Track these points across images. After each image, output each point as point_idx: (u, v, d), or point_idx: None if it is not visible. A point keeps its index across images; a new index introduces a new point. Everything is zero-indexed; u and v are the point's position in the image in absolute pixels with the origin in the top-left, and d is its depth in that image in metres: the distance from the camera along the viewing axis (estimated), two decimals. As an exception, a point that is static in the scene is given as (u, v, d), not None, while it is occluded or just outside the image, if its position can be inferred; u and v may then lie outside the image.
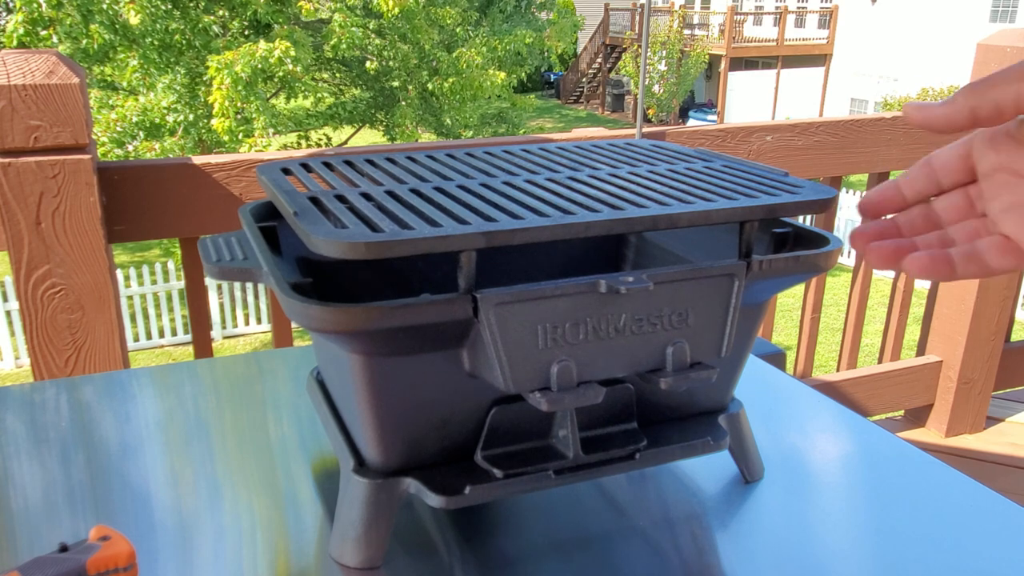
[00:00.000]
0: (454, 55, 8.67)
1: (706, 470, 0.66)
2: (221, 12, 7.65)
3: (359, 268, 0.67)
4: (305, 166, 0.63)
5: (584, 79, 22.40)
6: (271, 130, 7.16)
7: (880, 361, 2.20)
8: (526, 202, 0.52)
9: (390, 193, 0.54)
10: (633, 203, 0.52)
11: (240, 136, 6.85)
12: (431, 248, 0.44)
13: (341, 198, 0.53)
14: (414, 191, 0.55)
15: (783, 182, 0.58)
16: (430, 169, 0.61)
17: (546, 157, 0.66)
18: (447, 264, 0.70)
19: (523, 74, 10.25)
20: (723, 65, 18.72)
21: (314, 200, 0.52)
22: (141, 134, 6.92)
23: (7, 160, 1.13)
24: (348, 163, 0.64)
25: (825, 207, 0.53)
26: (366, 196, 0.54)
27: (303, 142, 9.54)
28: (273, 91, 8.32)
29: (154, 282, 6.49)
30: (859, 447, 0.71)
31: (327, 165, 0.63)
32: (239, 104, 6.72)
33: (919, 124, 0.45)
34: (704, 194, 0.54)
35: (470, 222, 0.47)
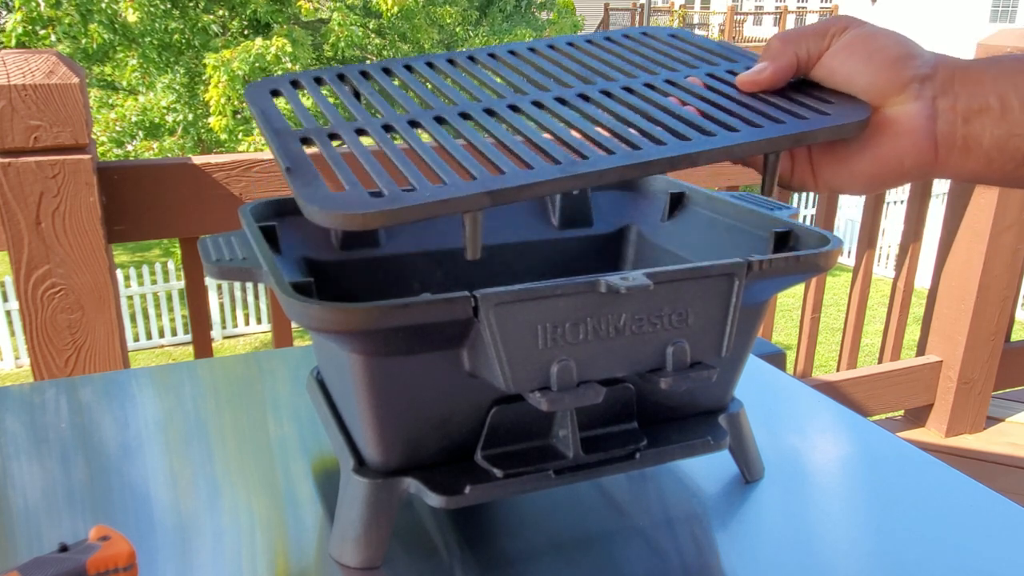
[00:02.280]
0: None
1: (706, 470, 0.66)
2: (221, 12, 7.65)
3: (359, 268, 0.67)
4: (295, 83, 0.59)
5: (584, 79, 22.34)
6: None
7: (880, 361, 2.20)
8: (535, 138, 0.49)
9: (387, 127, 0.51)
10: (649, 135, 0.49)
11: (239, 135, 6.84)
12: (433, 213, 0.42)
13: (334, 136, 0.50)
14: (412, 123, 0.52)
15: (812, 95, 0.54)
16: (430, 86, 0.58)
17: (559, 64, 0.61)
18: (447, 263, 0.70)
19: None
20: (723, 65, 18.66)
21: (305, 140, 0.49)
22: (140, 134, 6.91)
23: (7, 160, 1.13)
24: (341, 76, 0.60)
25: (860, 129, 0.51)
26: (361, 132, 0.51)
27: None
28: (273, 91, 8.31)
29: (154, 282, 6.49)
30: (859, 447, 0.71)
31: (317, 81, 0.59)
32: (236, 103, 6.72)
33: (754, 91, 0.55)
34: (726, 117, 0.52)
35: (475, 174, 0.45)
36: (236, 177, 1.33)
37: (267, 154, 1.37)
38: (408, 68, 0.61)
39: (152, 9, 6.88)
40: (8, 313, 5.91)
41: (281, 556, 0.56)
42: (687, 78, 0.58)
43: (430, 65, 0.61)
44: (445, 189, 0.43)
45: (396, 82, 0.59)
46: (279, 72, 7.03)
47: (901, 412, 2.29)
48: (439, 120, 0.52)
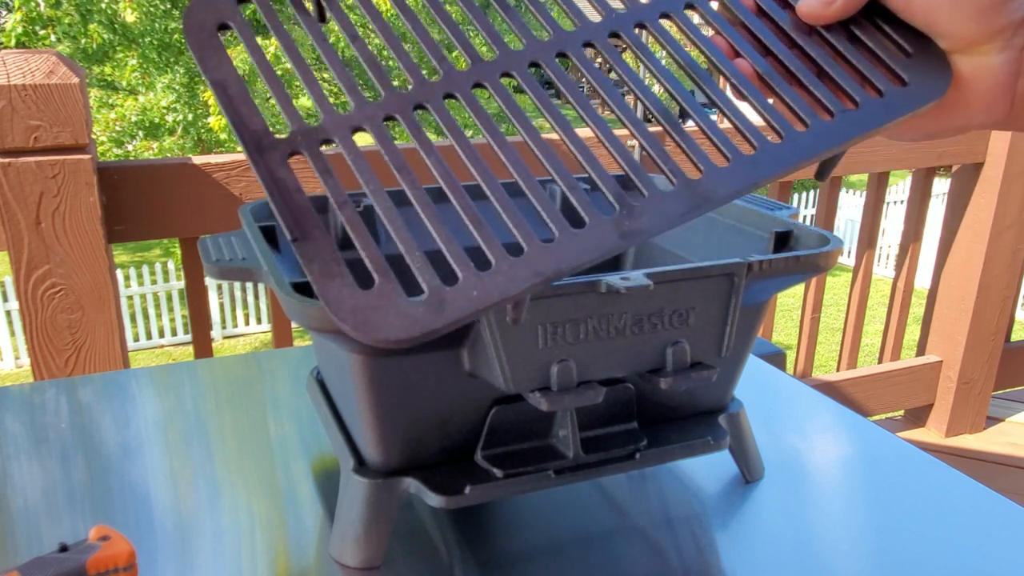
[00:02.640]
0: (454, 55, 8.68)
1: (706, 470, 0.66)
2: (221, 12, 7.64)
3: (359, 268, 0.67)
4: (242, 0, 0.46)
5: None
6: (271, 129, 7.14)
7: (880, 361, 2.20)
8: (575, 150, 0.43)
9: (389, 118, 0.44)
10: (716, 146, 0.44)
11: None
12: (481, 314, 0.38)
13: (327, 141, 0.43)
14: (418, 106, 0.44)
15: (885, 38, 0.47)
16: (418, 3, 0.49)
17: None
18: (447, 263, 0.69)
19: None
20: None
21: (294, 154, 0.41)
22: (140, 134, 6.91)
23: (7, 160, 1.13)
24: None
25: (935, 102, 0.45)
26: (358, 130, 0.43)
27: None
28: (273, 91, 8.31)
29: (154, 282, 6.49)
30: (859, 447, 0.71)
31: None
32: None
33: (817, 24, 0.47)
34: (790, 93, 0.46)
35: (523, 245, 0.39)
36: (236, 177, 1.33)
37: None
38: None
39: (152, 9, 6.88)
40: (8, 313, 5.90)
41: (281, 556, 0.56)
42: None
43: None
44: (492, 279, 0.38)
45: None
46: (278, 72, 7.02)
47: (901, 412, 2.29)
48: (448, 96, 0.45)
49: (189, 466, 0.66)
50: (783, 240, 0.61)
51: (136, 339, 6.37)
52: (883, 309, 2.28)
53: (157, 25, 6.95)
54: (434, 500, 0.51)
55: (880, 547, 0.57)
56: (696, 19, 0.50)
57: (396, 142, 0.42)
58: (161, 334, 6.51)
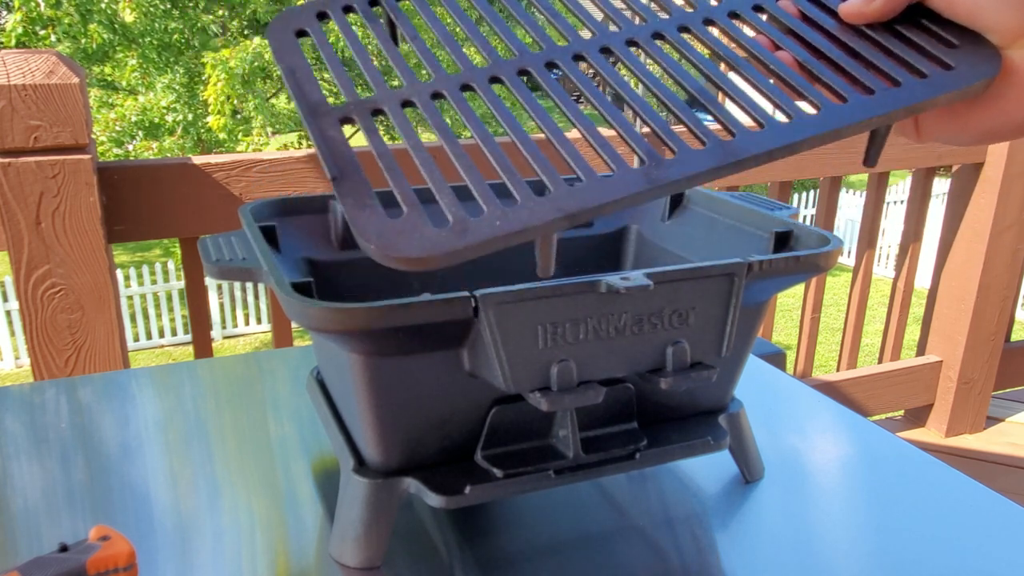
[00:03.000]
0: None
1: (706, 470, 0.66)
2: (220, 12, 7.65)
3: (359, 268, 0.67)
4: (322, 16, 0.52)
5: (584, 79, 22.36)
6: (270, 129, 7.15)
7: (880, 361, 2.20)
8: (611, 116, 0.44)
9: (436, 95, 0.46)
10: (744, 109, 0.44)
11: (239, 135, 6.84)
12: (503, 245, 0.39)
13: (378, 112, 0.46)
14: (465, 86, 0.47)
15: (928, 31, 0.46)
16: (476, 16, 0.54)
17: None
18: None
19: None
20: (723, 65, 18.69)
21: (345, 120, 0.45)
22: (140, 134, 6.92)
23: (7, 160, 1.13)
24: (373, 2, 0.53)
25: (986, 87, 0.44)
26: (407, 103, 0.46)
27: (304, 141, 9.54)
28: (274, 91, 8.32)
29: (154, 282, 6.49)
30: (859, 447, 0.71)
31: (347, 10, 0.53)
32: (235, 102, 6.72)
33: (860, 23, 0.47)
34: (830, 75, 0.45)
35: (546, 181, 0.40)
36: (236, 177, 1.33)
37: (267, 154, 1.37)
38: None
39: (152, 9, 6.88)
40: (8, 313, 5.90)
41: (281, 556, 0.56)
42: (778, 1, 0.50)
43: None
44: (517, 213, 0.39)
45: (438, 11, 0.53)
46: (278, 72, 7.01)
47: (901, 412, 2.29)
48: (493, 80, 0.47)
49: (189, 466, 0.66)
50: (783, 240, 0.61)
51: (136, 339, 6.37)
52: (883, 309, 2.28)
53: (157, 25, 6.95)
54: (434, 500, 0.51)
55: (880, 547, 0.57)
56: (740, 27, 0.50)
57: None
58: (161, 334, 6.52)
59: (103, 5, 6.62)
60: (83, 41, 6.72)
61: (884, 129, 0.45)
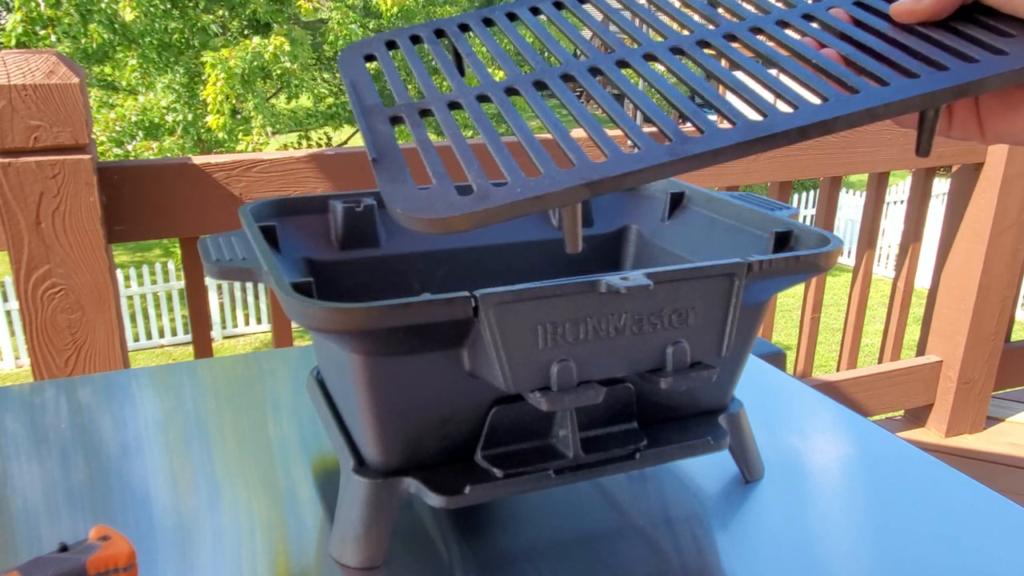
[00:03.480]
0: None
1: (706, 470, 0.66)
2: (220, 12, 7.65)
3: (359, 268, 0.67)
4: (391, 44, 0.56)
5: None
6: (269, 129, 7.15)
7: (880, 361, 2.20)
8: (643, 105, 0.45)
9: (482, 97, 0.49)
10: (778, 94, 0.43)
11: (239, 135, 6.85)
12: (525, 211, 0.39)
13: (426, 112, 0.48)
14: (509, 90, 0.49)
15: (983, 25, 0.44)
16: (531, 39, 0.54)
17: (671, 4, 0.55)
18: (447, 263, 0.70)
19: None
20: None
21: (395, 119, 0.48)
22: (140, 134, 6.92)
23: (7, 160, 1.13)
24: (439, 32, 0.56)
25: None
26: (454, 105, 0.49)
27: (304, 141, 9.54)
28: (273, 91, 8.32)
29: (154, 282, 6.49)
30: (859, 447, 0.71)
31: (415, 40, 0.56)
32: (234, 101, 6.72)
33: (911, 21, 0.46)
34: (873, 64, 0.44)
35: (573, 159, 0.41)
36: (236, 177, 1.33)
37: (267, 154, 1.37)
38: (511, 16, 0.56)
39: (152, 9, 6.88)
40: (8, 313, 5.90)
41: (281, 556, 0.56)
42: (829, 10, 0.50)
43: (534, 11, 0.56)
44: (539, 182, 0.40)
45: (497, 37, 0.56)
46: (277, 71, 7.02)
47: (901, 412, 2.29)
48: (539, 85, 0.49)
49: (189, 466, 0.66)
50: (783, 240, 0.61)
51: (136, 339, 6.37)
52: (883, 309, 2.28)
53: (157, 25, 6.95)
54: (434, 500, 0.51)
55: (880, 547, 0.57)
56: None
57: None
58: (161, 334, 6.52)
59: (103, 5, 6.62)
60: (83, 41, 6.72)
61: (933, 113, 0.43)
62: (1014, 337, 2.28)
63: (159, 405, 0.77)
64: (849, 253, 6.86)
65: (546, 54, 0.53)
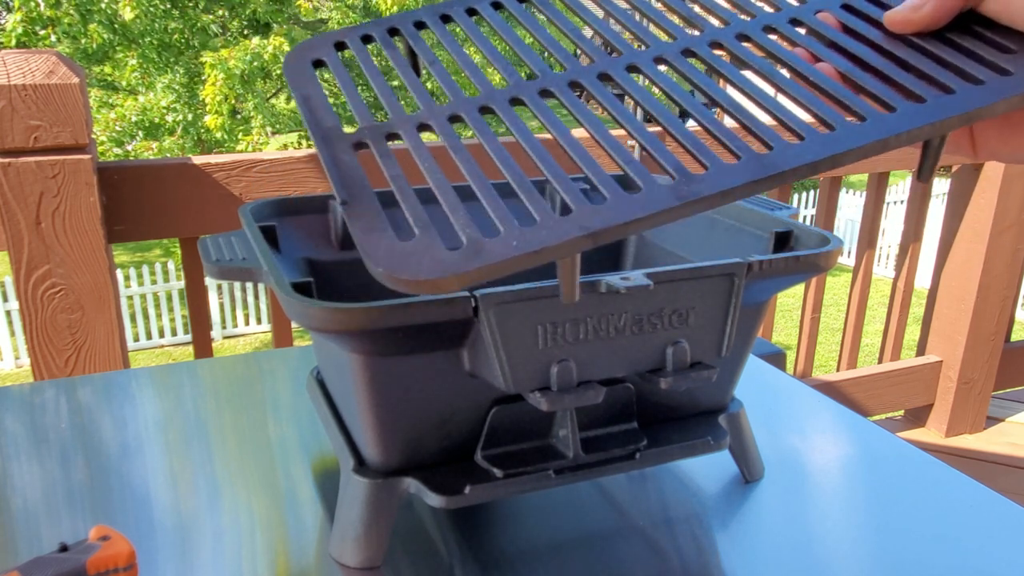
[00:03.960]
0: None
1: (706, 470, 0.66)
2: (220, 12, 7.65)
3: (359, 268, 0.67)
4: (340, 45, 0.51)
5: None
6: (269, 129, 7.15)
7: (880, 361, 2.20)
8: (637, 134, 0.41)
9: (454, 118, 0.44)
10: (781, 121, 0.40)
11: (239, 135, 6.84)
12: (522, 266, 0.36)
13: (393, 136, 0.44)
14: (484, 108, 0.45)
15: (982, 38, 0.42)
16: (497, 42, 0.50)
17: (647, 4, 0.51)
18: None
19: (523, 74, 10.24)
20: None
21: (359, 144, 0.43)
22: (140, 134, 6.92)
23: (7, 160, 1.13)
24: (392, 31, 0.51)
25: None
26: (424, 127, 0.44)
27: (304, 141, 9.54)
28: (273, 91, 8.32)
29: (154, 282, 6.49)
30: (859, 447, 0.71)
31: (366, 39, 0.51)
32: (233, 102, 6.71)
33: (907, 32, 0.44)
34: (875, 84, 0.42)
35: (568, 202, 0.37)
36: (236, 177, 1.33)
37: (267, 154, 1.37)
38: (471, 12, 0.52)
39: (152, 9, 6.88)
40: (8, 313, 5.90)
41: (281, 556, 0.56)
42: (817, 13, 0.47)
43: (496, 6, 0.52)
44: (535, 232, 0.36)
45: (458, 37, 0.51)
46: (277, 71, 7.02)
47: (901, 412, 2.29)
48: (515, 101, 0.45)
49: (189, 466, 0.66)
50: (783, 240, 0.61)
51: (136, 339, 6.37)
52: (883, 309, 2.28)
53: (157, 25, 6.95)
54: (434, 500, 0.51)
55: (880, 547, 0.57)
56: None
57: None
58: (161, 334, 6.52)
59: (103, 5, 6.62)
60: (83, 41, 6.72)
61: (938, 141, 0.41)
62: (1014, 337, 2.28)
63: (159, 405, 0.77)
64: (849, 253, 6.86)
65: (521, 66, 0.50)
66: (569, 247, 0.36)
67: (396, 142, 0.44)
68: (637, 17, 0.50)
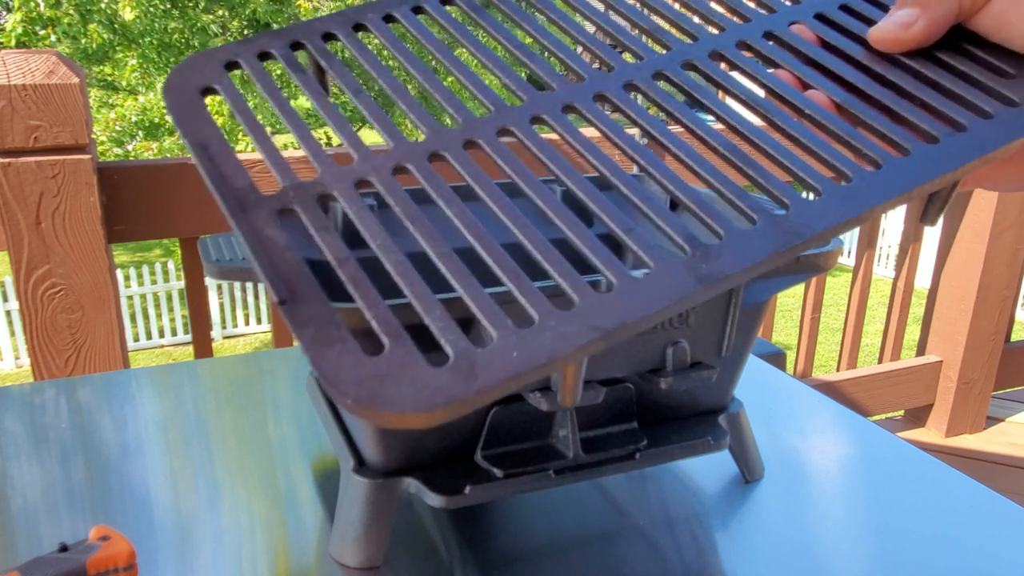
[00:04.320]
0: (454, 54, 8.67)
1: (706, 470, 0.66)
2: (220, 12, 7.65)
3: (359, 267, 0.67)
4: (232, 65, 0.41)
5: (584, 79, 22.36)
6: (269, 129, 7.16)
7: (880, 361, 2.20)
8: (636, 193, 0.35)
9: (399, 169, 0.36)
10: (795, 174, 0.35)
11: (238, 135, 6.85)
12: (528, 381, 0.29)
13: (327, 198, 0.36)
14: (434, 155, 0.36)
15: (977, 60, 0.40)
16: (460, 51, 0.45)
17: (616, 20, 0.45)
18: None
19: (523, 74, 10.26)
20: (723, 65, 18.68)
21: (286, 212, 0.36)
22: (140, 134, 6.92)
23: (7, 160, 1.13)
24: (296, 45, 0.42)
25: None
26: (363, 183, 0.36)
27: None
28: (273, 91, 8.31)
29: (154, 282, 6.49)
30: (859, 447, 0.71)
31: (263, 57, 0.41)
32: None
33: (896, 51, 0.41)
34: (879, 120, 0.38)
35: (570, 292, 0.31)
36: (236, 177, 1.32)
37: (267, 154, 1.36)
38: (387, 19, 0.44)
39: (152, 9, 6.89)
40: (8, 313, 5.90)
41: (281, 556, 0.56)
42: (791, 26, 0.42)
43: (417, 10, 0.45)
44: (537, 337, 0.30)
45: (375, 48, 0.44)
46: (277, 71, 7.03)
47: (901, 412, 2.29)
48: (470, 144, 0.37)
49: (189, 466, 0.66)
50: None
51: (136, 339, 6.37)
52: (883, 309, 2.28)
53: (157, 25, 6.95)
54: (434, 500, 0.51)
55: (880, 547, 0.57)
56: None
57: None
58: (161, 334, 6.52)
59: (103, 5, 6.62)
60: (83, 41, 6.72)
61: (952, 185, 0.37)
62: (1014, 337, 2.28)
63: (159, 405, 0.77)
64: (849, 253, 6.85)
65: (472, 103, 0.44)
66: (580, 352, 0.29)
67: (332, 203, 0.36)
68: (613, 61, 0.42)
